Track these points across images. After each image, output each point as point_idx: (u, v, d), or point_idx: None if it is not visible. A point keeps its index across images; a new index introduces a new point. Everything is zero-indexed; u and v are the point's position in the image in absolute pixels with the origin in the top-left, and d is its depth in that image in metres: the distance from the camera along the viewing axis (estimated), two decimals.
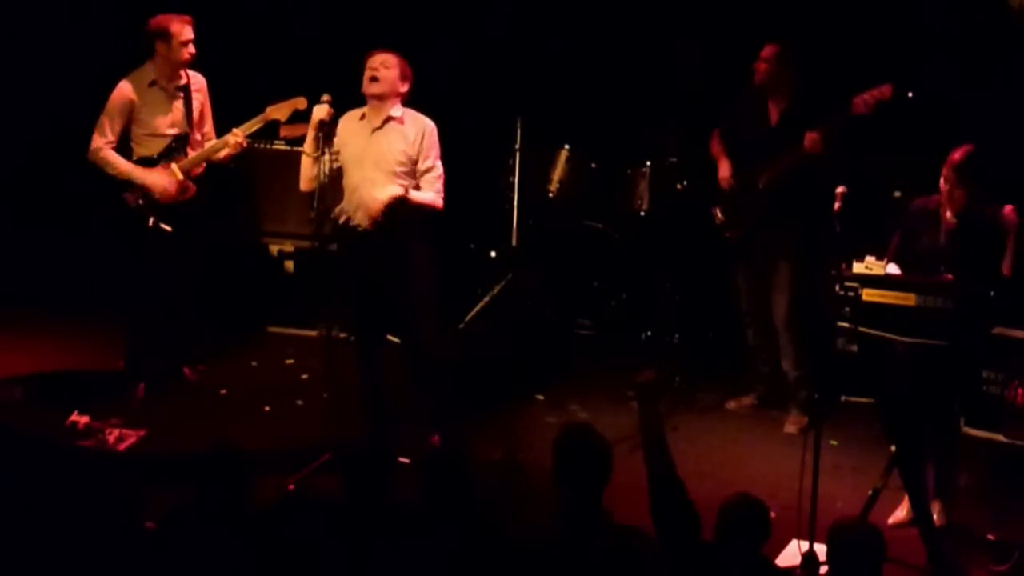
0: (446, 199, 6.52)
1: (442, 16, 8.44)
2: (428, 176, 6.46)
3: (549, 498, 4.58)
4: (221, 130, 7.19)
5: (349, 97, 6.60)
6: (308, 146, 6.47)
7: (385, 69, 6.40)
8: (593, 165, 8.29)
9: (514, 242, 8.05)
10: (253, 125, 7.09)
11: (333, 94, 6.49)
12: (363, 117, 6.51)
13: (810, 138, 6.81)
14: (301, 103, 6.95)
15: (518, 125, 8.03)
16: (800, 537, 5.52)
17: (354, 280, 6.57)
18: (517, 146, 8.04)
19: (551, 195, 8.22)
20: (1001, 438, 7.14)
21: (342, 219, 6.53)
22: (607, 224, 8.23)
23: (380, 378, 6.66)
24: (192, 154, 7.10)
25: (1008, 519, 6.19)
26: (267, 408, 7.23)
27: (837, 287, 5.74)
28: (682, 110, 8.22)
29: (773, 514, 4.69)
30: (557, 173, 8.23)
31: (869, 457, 6.59)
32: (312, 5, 8.83)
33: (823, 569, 5.10)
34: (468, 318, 7.88)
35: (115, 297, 7.37)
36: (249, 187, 8.44)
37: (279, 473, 6.20)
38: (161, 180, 6.99)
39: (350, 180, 6.49)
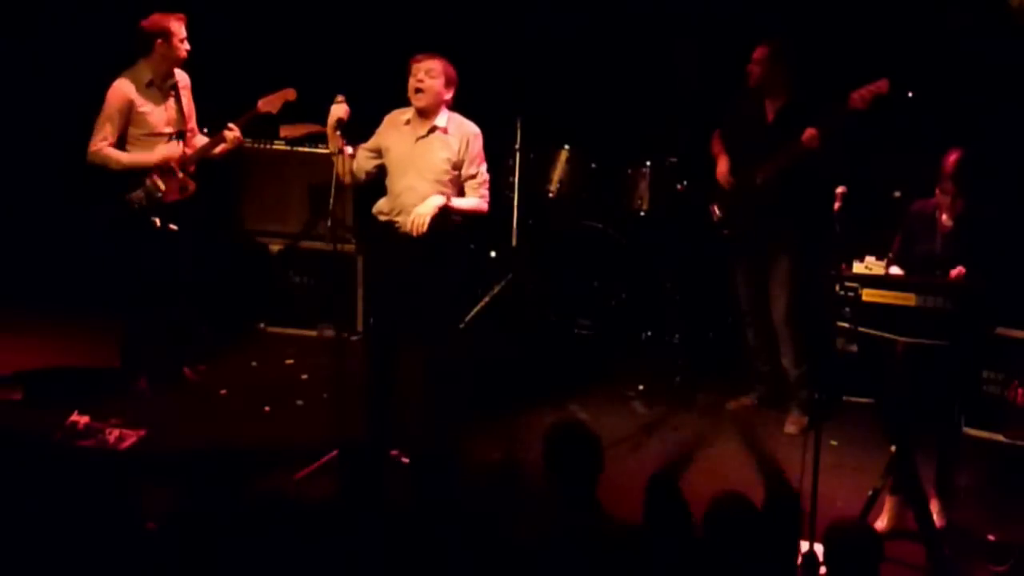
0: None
1: (442, 16, 8.44)
2: (472, 182, 6.52)
3: (548, 498, 4.59)
4: (209, 125, 7.21)
5: (347, 95, 6.66)
6: (331, 145, 6.49)
7: (430, 79, 6.40)
8: (593, 165, 8.29)
9: (514, 242, 8.04)
10: (246, 118, 7.10)
11: (332, 91, 6.52)
12: (408, 122, 6.51)
13: (809, 134, 6.82)
14: (291, 94, 7.02)
15: (518, 125, 8.03)
16: (800, 537, 5.52)
17: (386, 279, 6.61)
18: (517, 146, 8.04)
19: (551, 195, 8.22)
20: (1001, 438, 7.14)
21: (381, 218, 6.56)
22: (607, 224, 8.23)
23: (393, 378, 6.68)
24: (189, 152, 7.11)
25: (1008, 519, 6.19)
26: (267, 408, 7.23)
27: (837, 287, 5.75)
28: (682, 110, 8.22)
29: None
30: (557, 173, 8.23)
31: (869, 457, 6.58)
32: (311, 5, 8.83)
33: (823, 570, 5.10)
34: (468, 318, 7.88)
35: (115, 297, 7.37)
36: (249, 187, 8.44)
37: (281, 471, 6.22)
38: (169, 150, 7.03)
39: (393, 185, 6.51)
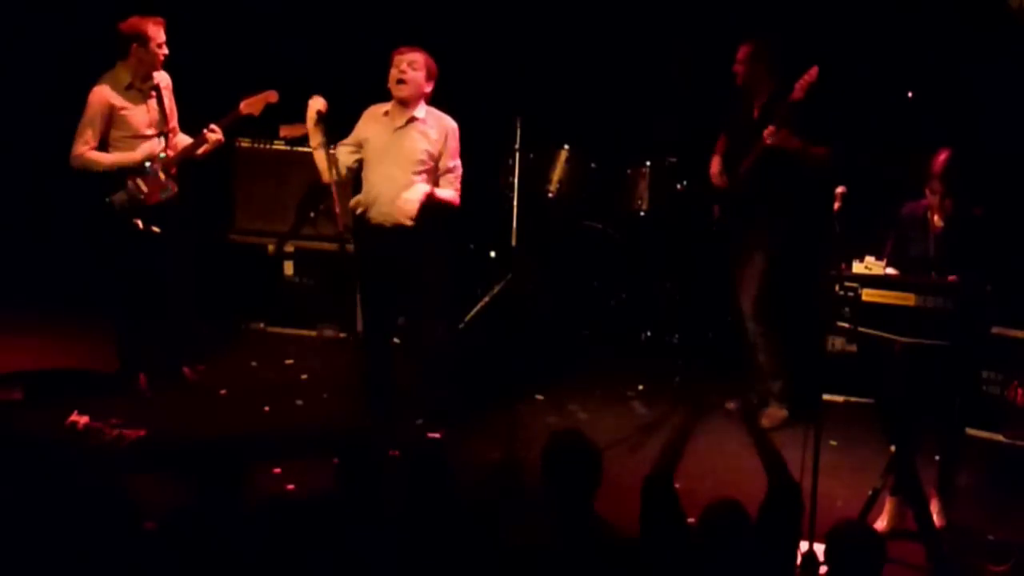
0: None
1: (442, 16, 8.44)
2: (450, 175, 6.66)
3: (545, 507, 4.58)
4: (192, 126, 7.20)
5: (346, 95, 6.67)
6: (313, 140, 6.57)
7: (413, 71, 6.55)
8: (593, 165, 8.29)
9: (514, 242, 8.04)
10: (228, 120, 7.11)
11: (328, 90, 6.64)
12: (387, 114, 6.65)
13: (767, 131, 6.88)
14: (272, 96, 7.05)
15: (518, 125, 8.03)
16: (800, 535, 5.51)
17: (369, 272, 6.72)
18: (517, 146, 8.04)
19: (551, 195, 8.22)
20: (1001, 438, 7.14)
21: (359, 211, 6.68)
22: (607, 224, 8.23)
23: (388, 373, 6.71)
24: (171, 153, 7.11)
25: (1008, 519, 6.19)
26: (267, 408, 7.23)
27: (837, 287, 5.74)
28: (681, 111, 8.22)
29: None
30: (557, 173, 8.23)
31: (869, 457, 6.58)
32: (311, 5, 8.83)
33: (822, 569, 5.09)
34: (468, 318, 7.87)
35: (103, 299, 7.38)
36: (249, 187, 8.43)
37: (280, 471, 6.22)
38: (150, 148, 7.03)
39: (369, 176, 6.66)
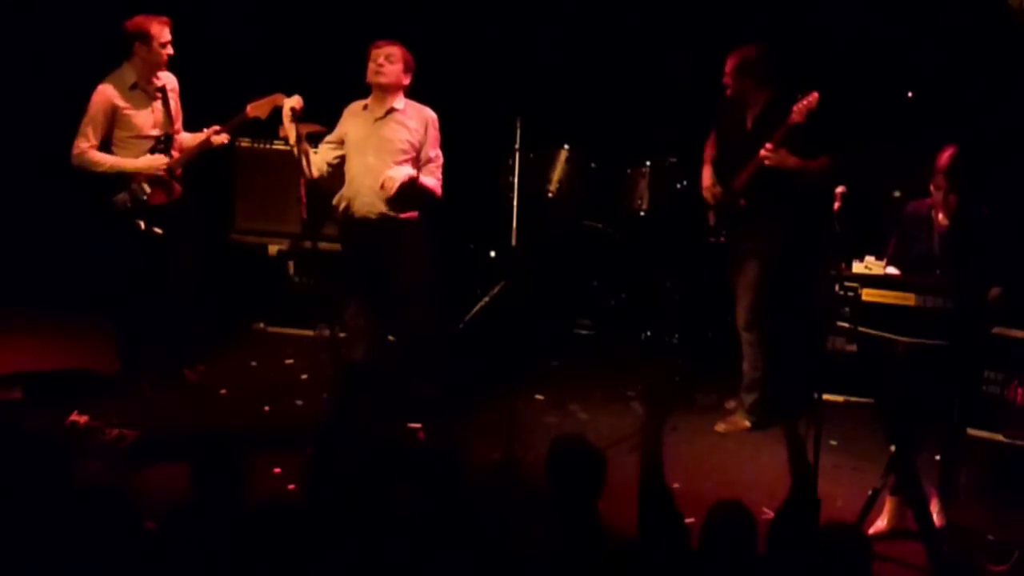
0: (444, 198, 6.84)
1: (442, 16, 8.44)
2: (431, 165, 6.75)
3: (547, 499, 4.57)
4: (193, 126, 7.21)
5: (346, 93, 6.68)
6: (291, 138, 6.68)
7: (390, 64, 6.65)
8: (593, 165, 8.29)
9: (514, 242, 8.03)
10: (235, 123, 7.11)
11: (327, 90, 6.77)
12: (366, 107, 6.74)
13: (763, 151, 6.85)
14: (280, 99, 7.02)
15: (518, 125, 8.02)
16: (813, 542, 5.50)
17: (355, 266, 6.80)
18: (517, 146, 8.03)
19: (551, 195, 8.22)
20: (1001, 438, 7.13)
21: (342, 206, 6.75)
22: (607, 224, 8.23)
23: (369, 363, 6.79)
24: (177, 154, 7.11)
25: (1008, 519, 6.19)
26: (267, 408, 7.23)
27: (837, 287, 5.74)
28: (680, 111, 8.22)
29: (772, 515, 4.69)
30: (557, 173, 8.23)
31: (869, 457, 6.58)
32: (311, 4, 8.82)
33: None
34: (467, 318, 7.87)
35: (103, 299, 7.38)
36: (249, 187, 8.43)
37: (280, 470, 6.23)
38: (153, 161, 7.02)
39: (351, 168, 6.74)
